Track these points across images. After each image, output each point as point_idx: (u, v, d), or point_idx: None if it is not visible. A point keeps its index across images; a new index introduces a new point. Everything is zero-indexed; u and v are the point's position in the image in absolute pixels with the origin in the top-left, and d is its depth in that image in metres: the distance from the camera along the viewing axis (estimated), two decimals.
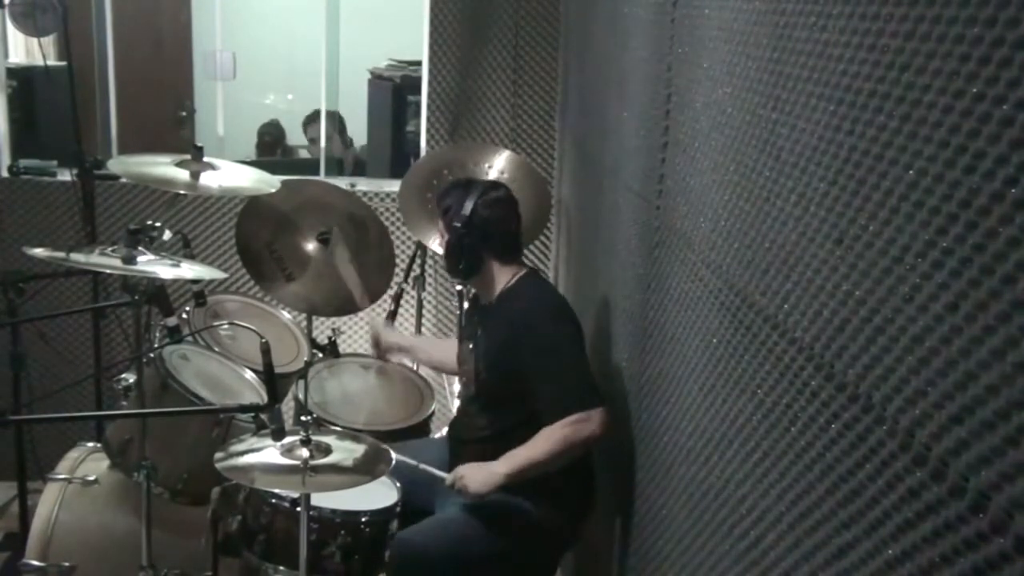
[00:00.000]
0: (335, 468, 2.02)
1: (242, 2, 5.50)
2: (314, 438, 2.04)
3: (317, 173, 4.22)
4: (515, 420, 2.28)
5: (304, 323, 3.20)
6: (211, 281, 3.01)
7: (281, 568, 2.23)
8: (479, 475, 2.23)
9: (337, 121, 4.71)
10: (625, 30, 2.39)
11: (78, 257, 2.25)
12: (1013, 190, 0.73)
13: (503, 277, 2.38)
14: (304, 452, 2.00)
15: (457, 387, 2.89)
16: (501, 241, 2.38)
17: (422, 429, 2.99)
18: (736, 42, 1.44)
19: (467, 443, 2.43)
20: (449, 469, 2.38)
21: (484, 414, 2.40)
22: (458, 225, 2.32)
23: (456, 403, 3.12)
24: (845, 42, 1.04)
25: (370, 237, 3.15)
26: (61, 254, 2.25)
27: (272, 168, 3.34)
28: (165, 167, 2.68)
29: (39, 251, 2.27)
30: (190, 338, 2.67)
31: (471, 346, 2.45)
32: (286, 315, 3.24)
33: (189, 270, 2.35)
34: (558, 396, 2.20)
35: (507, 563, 2.33)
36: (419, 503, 2.39)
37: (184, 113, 5.29)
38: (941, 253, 0.83)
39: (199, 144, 2.76)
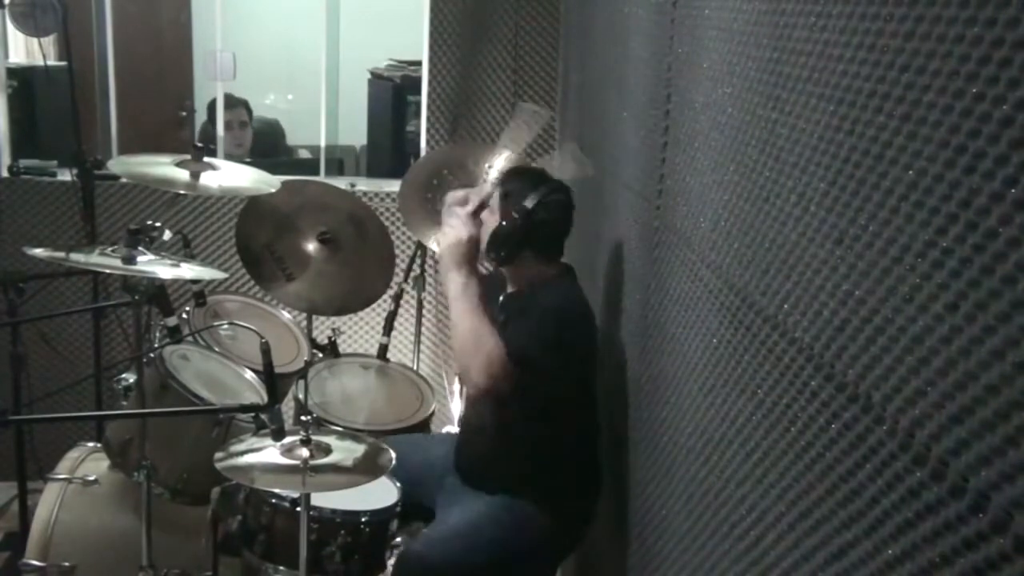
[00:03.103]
0: (335, 468, 2.02)
1: (242, 2, 5.49)
2: (314, 438, 2.04)
3: (317, 173, 4.22)
4: (527, 410, 2.26)
5: (304, 323, 3.20)
6: (211, 281, 3.02)
7: (281, 568, 2.23)
8: (455, 246, 2.28)
9: (245, 109, 4.70)
10: (625, 30, 2.39)
11: (78, 257, 2.25)
12: (1013, 190, 0.73)
13: (540, 271, 2.36)
14: (304, 452, 2.01)
15: (457, 386, 2.89)
16: (548, 240, 2.37)
17: (422, 429, 2.99)
18: (736, 42, 1.44)
19: (478, 434, 2.42)
20: (457, 458, 2.41)
21: (496, 404, 2.38)
22: (515, 216, 2.30)
23: (456, 402, 3.12)
24: (845, 42, 1.04)
25: (370, 237, 3.15)
26: (61, 254, 2.25)
27: (272, 168, 3.33)
28: (165, 167, 2.69)
29: (39, 251, 2.26)
30: (190, 338, 2.68)
31: None
32: (286, 315, 3.24)
33: (189, 270, 2.35)
34: (518, 340, 2.16)
35: (509, 570, 2.33)
36: (419, 501, 2.39)
37: (184, 113, 5.29)
38: (941, 253, 0.83)
39: (199, 144, 2.76)
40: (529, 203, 2.29)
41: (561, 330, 2.23)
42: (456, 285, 2.26)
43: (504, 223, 2.32)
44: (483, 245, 2.39)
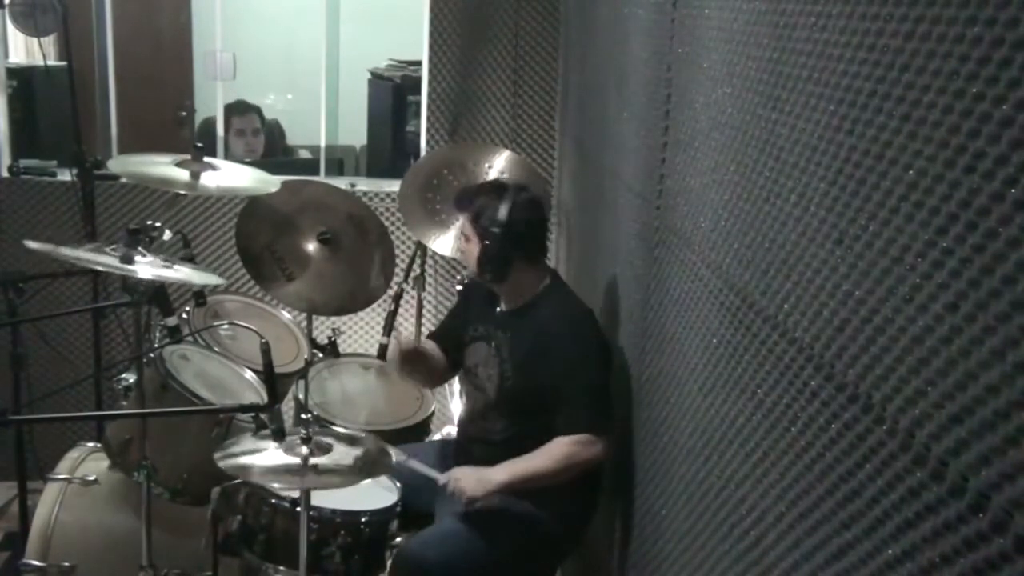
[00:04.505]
0: (335, 467, 2.02)
1: (242, 2, 5.48)
2: (314, 438, 2.04)
3: (317, 173, 4.22)
4: (533, 427, 2.27)
5: (304, 323, 3.20)
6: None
7: (281, 568, 2.23)
8: (475, 480, 2.23)
9: (258, 116, 4.70)
10: (625, 30, 2.39)
11: (69, 252, 2.23)
12: (1013, 190, 0.73)
13: (533, 281, 2.38)
14: (304, 451, 2.00)
15: (457, 387, 2.89)
16: (533, 244, 2.38)
17: (422, 429, 2.99)
18: (736, 42, 1.44)
19: (479, 444, 2.42)
20: (457, 462, 2.39)
21: (503, 418, 2.38)
22: (496, 231, 2.30)
23: (456, 403, 3.12)
24: (845, 42, 1.04)
25: (370, 237, 3.15)
26: (60, 250, 2.24)
27: (272, 168, 3.33)
28: (165, 167, 2.69)
29: (35, 244, 2.25)
30: (190, 338, 2.67)
31: (493, 347, 2.41)
32: (286, 315, 3.24)
33: (185, 273, 2.34)
34: (576, 412, 2.22)
35: (508, 571, 2.33)
36: (418, 507, 2.39)
37: (184, 113, 5.29)
38: (941, 253, 0.83)
39: (199, 144, 2.76)
40: (502, 214, 2.30)
41: (590, 337, 2.30)
42: (509, 479, 2.24)
43: (487, 242, 2.32)
44: (472, 270, 2.40)
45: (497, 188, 2.41)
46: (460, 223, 2.42)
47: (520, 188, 2.41)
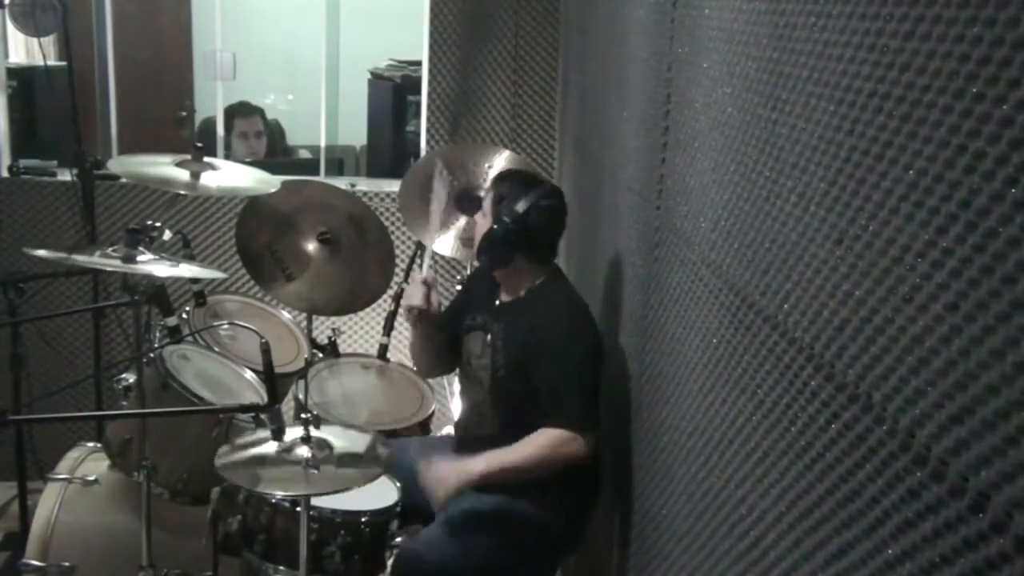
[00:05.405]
0: (335, 467, 2.02)
1: (242, 2, 5.49)
2: (315, 436, 2.04)
3: (317, 173, 4.22)
4: (528, 420, 2.27)
5: (304, 323, 3.20)
6: (211, 281, 3.02)
7: (281, 568, 2.23)
8: (451, 475, 2.21)
9: (261, 118, 4.70)
10: (625, 30, 2.39)
11: (79, 257, 2.24)
12: (1013, 190, 0.73)
13: (531, 276, 2.38)
14: (304, 451, 2.00)
15: (457, 386, 2.89)
16: (539, 246, 2.39)
17: (422, 429, 2.99)
18: (736, 42, 1.44)
19: (478, 440, 2.42)
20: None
21: (497, 411, 2.39)
22: (506, 219, 2.32)
23: (456, 403, 3.11)
24: (845, 42, 1.04)
25: (370, 237, 3.15)
26: (63, 254, 2.25)
27: (272, 168, 3.33)
28: (165, 167, 2.69)
29: (41, 252, 2.26)
30: (190, 338, 2.67)
31: (488, 338, 2.42)
32: (286, 315, 3.24)
33: (188, 270, 2.34)
34: (561, 408, 2.21)
35: (509, 571, 2.33)
36: (419, 503, 2.39)
37: (184, 113, 5.29)
38: (941, 253, 0.83)
39: (199, 144, 2.76)
40: (520, 207, 2.31)
41: (583, 333, 2.29)
42: (487, 468, 2.21)
43: (495, 227, 2.33)
44: (476, 245, 2.41)
45: (529, 182, 2.41)
46: (487, 197, 2.43)
47: (552, 192, 2.40)
